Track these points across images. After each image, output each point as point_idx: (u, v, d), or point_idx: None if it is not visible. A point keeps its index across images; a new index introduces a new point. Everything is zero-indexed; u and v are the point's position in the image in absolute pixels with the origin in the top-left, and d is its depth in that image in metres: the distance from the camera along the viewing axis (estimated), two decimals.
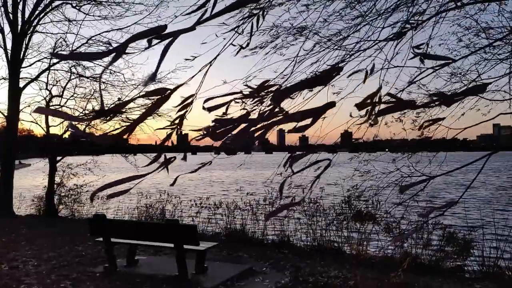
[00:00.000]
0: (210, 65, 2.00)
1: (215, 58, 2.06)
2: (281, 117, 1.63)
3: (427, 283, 5.81)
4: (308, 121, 1.59)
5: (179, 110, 1.90)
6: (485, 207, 11.44)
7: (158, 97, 1.66)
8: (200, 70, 1.98)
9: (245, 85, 2.48)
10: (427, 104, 2.57)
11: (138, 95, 2.27)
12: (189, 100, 1.87)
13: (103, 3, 11.74)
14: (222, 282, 5.62)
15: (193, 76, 1.95)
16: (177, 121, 1.92)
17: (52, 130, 12.77)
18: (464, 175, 23.61)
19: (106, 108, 2.23)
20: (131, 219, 10.59)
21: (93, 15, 11.93)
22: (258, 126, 1.64)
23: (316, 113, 1.57)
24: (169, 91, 1.63)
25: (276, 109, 1.64)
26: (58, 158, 12.42)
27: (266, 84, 2.03)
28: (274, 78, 3.40)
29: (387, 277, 5.77)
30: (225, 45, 2.15)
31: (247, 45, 2.39)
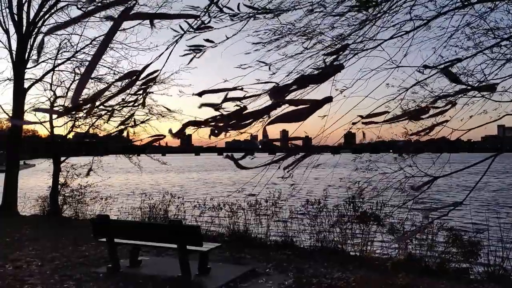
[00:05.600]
0: (176, 43, 2.09)
1: (180, 36, 2.13)
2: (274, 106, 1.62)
3: (431, 285, 5.78)
4: (302, 112, 1.59)
5: (143, 84, 1.95)
6: (489, 209, 11.36)
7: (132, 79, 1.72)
8: (167, 49, 2.07)
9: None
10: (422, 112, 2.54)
11: (113, 82, 2.39)
12: (152, 76, 1.93)
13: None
14: (225, 283, 5.61)
15: (160, 55, 2.02)
16: (138, 97, 1.99)
17: (56, 131, 12.84)
18: (466, 176, 23.51)
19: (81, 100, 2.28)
20: (134, 219, 10.60)
21: (99, 16, 11.95)
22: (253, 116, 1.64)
23: (313, 107, 1.57)
24: (138, 72, 1.69)
25: (275, 106, 1.64)
26: (62, 158, 12.47)
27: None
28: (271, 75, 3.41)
29: (390, 278, 5.75)
30: (187, 29, 2.22)
31: (202, 22, 2.41)
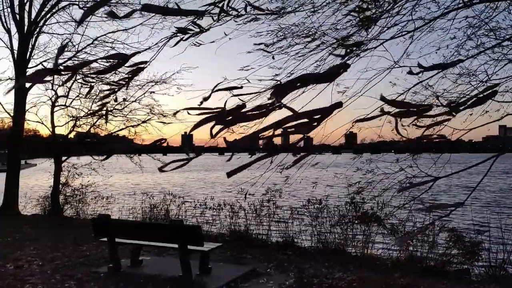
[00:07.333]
0: (170, 38, 2.13)
1: (175, 33, 2.16)
2: (287, 117, 1.62)
3: (432, 285, 5.77)
4: (313, 121, 1.59)
5: (129, 72, 1.99)
6: (490, 210, 11.34)
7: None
8: (160, 40, 2.12)
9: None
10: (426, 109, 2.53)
11: (98, 58, 2.55)
12: (141, 66, 1.96)
13: (110, 4, 11.74)
14: (226, 283, 5.61)
15: (150, 47, 2.07)
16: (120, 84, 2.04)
17: (58, 130, 12.84)
18: (468, 177, 23.42)
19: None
20: (135, 219, 10.60)
21: (100, 16, 11.94)
22: (264, 127, 1.64)
23: (323, 113, 1.57)
24: (125, 56, 1.72)
25: (276, 104, 1.64)
26: (64, 158, 12.48)
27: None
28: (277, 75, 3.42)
29: (391, 278, 5.75)
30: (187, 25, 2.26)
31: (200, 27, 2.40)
